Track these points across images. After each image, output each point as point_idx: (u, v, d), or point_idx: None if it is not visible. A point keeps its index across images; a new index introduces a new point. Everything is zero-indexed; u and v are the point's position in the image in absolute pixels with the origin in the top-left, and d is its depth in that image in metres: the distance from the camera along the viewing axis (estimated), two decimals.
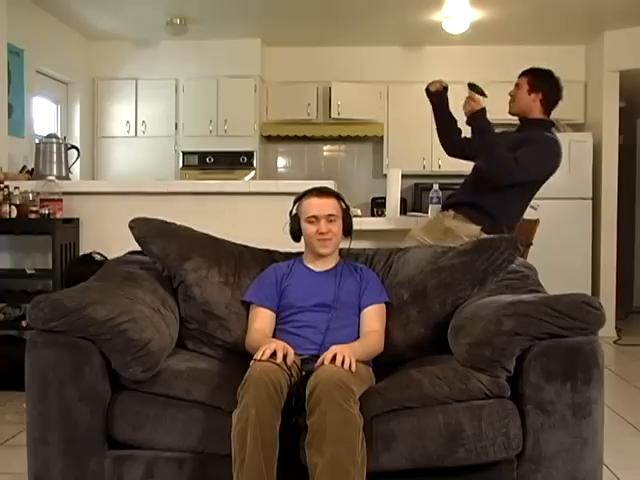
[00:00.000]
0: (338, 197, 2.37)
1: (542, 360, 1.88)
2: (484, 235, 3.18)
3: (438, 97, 3.51)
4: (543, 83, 3.31)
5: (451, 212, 3.37)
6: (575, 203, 5.93)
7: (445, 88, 3.49)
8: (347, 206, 2.40)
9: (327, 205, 2.32)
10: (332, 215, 2.31)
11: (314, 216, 2.30)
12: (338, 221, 2.33)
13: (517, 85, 3.39)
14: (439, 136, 3.62)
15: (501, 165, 3.17)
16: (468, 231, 3.24)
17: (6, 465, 2.69)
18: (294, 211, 2.39)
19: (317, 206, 2.31)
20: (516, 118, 3.43)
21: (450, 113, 3.55)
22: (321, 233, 2.29)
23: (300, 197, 2.38)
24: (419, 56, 6.54)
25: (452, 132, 3.55)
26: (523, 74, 3.40)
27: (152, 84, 6.49)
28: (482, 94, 3.24)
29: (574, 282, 5.29)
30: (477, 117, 3.17)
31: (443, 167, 6.36)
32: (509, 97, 3.41)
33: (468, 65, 6.45)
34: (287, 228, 2.40)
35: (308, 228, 2.32)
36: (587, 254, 5.96)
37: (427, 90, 3.52)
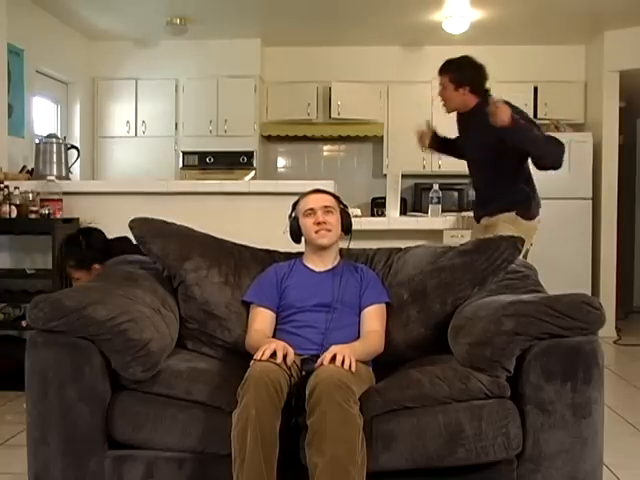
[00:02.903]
0: (334, 196, 2.42)
1: (542, 360, 1.88)
2: (520, 219, 3.31)
3: (435, 144, 3.63)
4: (465, 76, 3.34)
5: (485, 217, 3.47)
6: (575, 203, 5.93)
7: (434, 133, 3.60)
8: (345, 205, 2.43)
9: (323, 198, 2.37)
10: (328, 207, 2.34)
11: (311, 208, 2.33)
12: (335, 214, 2.36)
13: (441, 85, 3.40)
14: (452, 156, 3.78)
15: (554, 149, 3.19)
16: (504, 218, 3.32)
17: (6, 465, 2.69)
18: (293, 214, 2.41)
19: (313, 200, 2.36)
20: None
21: (448, 142, 3.66)
22: (318, 223, 2.31)
23: (298, 200, 2.43)
24: (419, 56, 6.54)
25: (457, 151, 3.67)
26: (441, 72, 3.40)
27: (152, 84, 6.49)
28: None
29: (574, 282, 5.29)
30: (516, 122, 3.09)
31: (443, 167, 6.36)
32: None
33: None
34: (288, 231, 2.42)
35: (306, 222, 2.34)
36: (587, 254, 5.96)
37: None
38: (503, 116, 3.05)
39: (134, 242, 2.43)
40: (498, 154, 3.26)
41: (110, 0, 5.36)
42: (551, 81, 6.43)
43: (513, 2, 5.31)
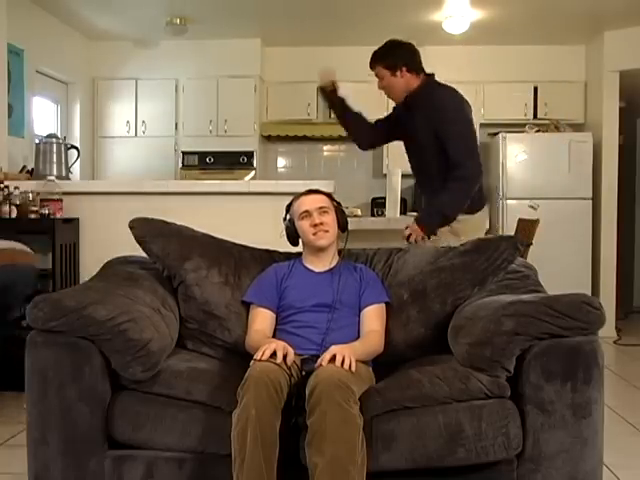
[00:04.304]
0: (328, 195, 2.41)
1: (542, 360, 1.88)
2: (463, 215, 3.17)
3: (333, 100, 3.44)
4: (397, 58, 3.19)
5: None
6: (575, 203, 5.93)
7: (334, 89, 3.41)
8: (339, 203, 2.43)
9: (317, 199, 2.36)
10: (323, 207, 2.34)
11: (306, 211, 2.33)
12: (331, 213, 2.36)
13: (378, 77, 3.26)
14: (351, 136, 3.54)
15: (473, 185, 3.12)
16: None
17: (6, 465, 2.69)
18: (288, 217, 2.42)
19: (307, 202, 2.36)
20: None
21: (353, 112, 3.44)
22: (315, 225, 2.31)
23: (290, 202, 2.43)
24: None
25: (362, 129, 3.47)
26: (374, 64, 3.26)
27: (152, 84, 6.49)
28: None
29: (574, 282, 5.29)
30: (433, 225, 3.10)
31: None
32: (384, 92, 3.29)
33: (468, 65, 6.45)
34: (284, 235, 2.42)
35: (302, 224, 2.34)
36: (587, 254, 5.96)
37: (321, 89, 3.45)
38: (415, 236, 3.10)
39: None
40: (435, 143, 3.13)
41: (110, 0, 5.37)
42: (551, 81, 6.44)
43: (513, 2, 5.31)
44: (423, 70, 3.25)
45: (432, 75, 3.27)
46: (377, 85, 3.31)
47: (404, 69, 3.19)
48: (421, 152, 3.26)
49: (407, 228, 3.16)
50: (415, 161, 3.37)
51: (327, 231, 2.33)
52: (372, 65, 3.27)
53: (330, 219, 2.35)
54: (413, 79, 3.22)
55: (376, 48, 3.30)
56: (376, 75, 3.28)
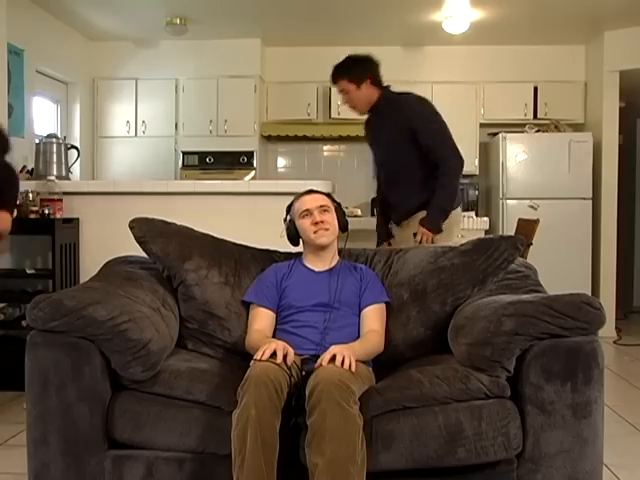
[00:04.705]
0: (328, 195, 2.43)
1: (542, 360, 1.88)
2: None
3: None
4: (359, 71, 3.31)
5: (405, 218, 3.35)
6: (575, 203, 5.93)
7: None
8: (339, 204, 2.44)
9: (318, 198, 2.38)
10: (324, 206, 2.35)
11: (307, 209, 2.35)
12: (331, 212, 2.37)
13: (343, 91, 3.36)
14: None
15: (457, 170, 3.22)
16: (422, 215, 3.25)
17: (6, 465, 2.69)
18: (288, 217, 2.42)
19: (308, 201, 2.37)
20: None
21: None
22: (316, 223, 2.32)
23: (291, 202, 2.44)
24: (419, 56, 6.54)
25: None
26: (338, 79, 3.35)
27: (152, 84, 6.49)
28: None
29: (574, 282, 5.29)
30: (439, 223, 3.18)
31: None
32: (348, 106, 3.42)
33: (468, 65, 6.45)
34: (285, 235, 2.43)
35: (303, 223, 2.35)
36: (587, 254, 5.96)
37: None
38: (427, 239, 3.17)
39: None
40: (408, 146, 3.21)
41: (110, 0, 5.36)
42: (551, 81, 6.43)
43: (513, 2, 5.31)
44: (381, 80, 3.37)
45: (389, 86, 3.39)
46: (341, 100, 3.43)
47: (369, 82, 3.31)
48: (397, 157, 3.30)
49: (416, 234, 3.20)
50: (388, 169, 3.41)
51: (327, 229, 2.33)
52: (335, 80, 3.36)
53: (331, 217, 2.36)
54: (375, 91, 3.34)
55: (352, 58, 3.42)
56: (340, 90, 3.37)
